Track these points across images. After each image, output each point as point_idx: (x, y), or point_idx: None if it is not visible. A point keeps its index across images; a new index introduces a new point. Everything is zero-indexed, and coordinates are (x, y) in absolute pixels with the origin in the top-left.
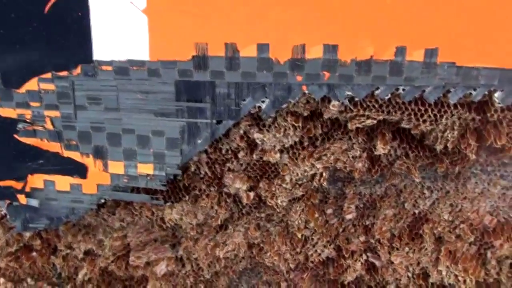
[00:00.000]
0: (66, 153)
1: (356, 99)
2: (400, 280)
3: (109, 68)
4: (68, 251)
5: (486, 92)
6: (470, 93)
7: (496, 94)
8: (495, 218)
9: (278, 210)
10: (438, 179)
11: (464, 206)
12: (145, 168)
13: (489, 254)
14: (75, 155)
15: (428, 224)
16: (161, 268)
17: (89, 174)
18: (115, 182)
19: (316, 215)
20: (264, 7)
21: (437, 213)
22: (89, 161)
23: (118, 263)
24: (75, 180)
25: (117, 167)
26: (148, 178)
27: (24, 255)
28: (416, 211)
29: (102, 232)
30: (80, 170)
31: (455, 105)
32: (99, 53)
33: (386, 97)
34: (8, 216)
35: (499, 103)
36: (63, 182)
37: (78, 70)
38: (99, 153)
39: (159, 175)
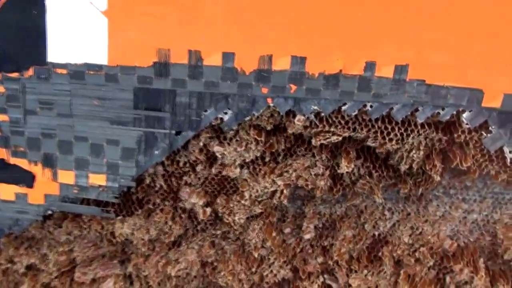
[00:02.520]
0: (13, 160)
1: (322, 114)
2: None
3: (64, 71)
4: (9, 265)
5: (454, 112)
6: (438, 113)
7: (465, 115)
8: (455, 242)
9: (235, 227)
10: (399, 200)
11: (424, 229)
12: (97, 179)
13: (448, 279)
14: (22, 163)
15: (387, 246)
16: (108, 286)
17: (36, 183)
18: (64, 192)
19: (274, 234)
20: (231, 15)
21: (397, 235)
22: (37, 169)
23: (62, 279)
24: (21, 189)
25: (67, 176)
26: (100, 189)
27: None
28: (376, 233)
29: (46, 245)
30: (26, 179)
31: (422, 125)
32: (53, 55)
33: (353, 113)
34: None
35: (467, 124)
36: (7, 191)
37: (30, 72)
38: (49, 161)
39: (112, 186)
